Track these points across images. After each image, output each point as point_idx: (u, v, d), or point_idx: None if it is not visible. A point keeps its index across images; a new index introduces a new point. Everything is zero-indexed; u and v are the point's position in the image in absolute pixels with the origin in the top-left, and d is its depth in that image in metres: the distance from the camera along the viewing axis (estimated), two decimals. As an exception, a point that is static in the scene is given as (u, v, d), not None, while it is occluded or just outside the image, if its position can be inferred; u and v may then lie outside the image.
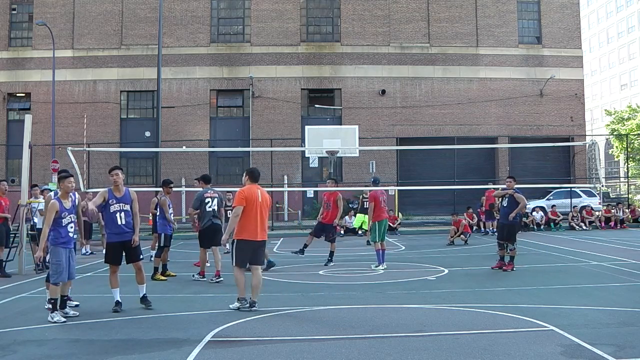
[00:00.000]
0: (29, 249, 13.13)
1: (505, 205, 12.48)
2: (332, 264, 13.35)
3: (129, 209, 8.54)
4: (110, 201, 8.48)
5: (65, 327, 7.32)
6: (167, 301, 9.10)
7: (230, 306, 8.29)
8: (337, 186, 13.97)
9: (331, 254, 13.49)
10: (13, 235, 13.08)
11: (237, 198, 8.30)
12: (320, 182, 30.07)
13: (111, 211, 8.45)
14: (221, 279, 11.05)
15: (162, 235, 11.90)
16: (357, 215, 20.24)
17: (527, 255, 14.66)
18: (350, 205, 25.54)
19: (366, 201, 19.79)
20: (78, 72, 31.43)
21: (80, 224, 8.69)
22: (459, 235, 18.45)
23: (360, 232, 19.99)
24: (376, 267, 12.59)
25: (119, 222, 8.41)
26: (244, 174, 8.79)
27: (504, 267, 12.07)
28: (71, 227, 7.88)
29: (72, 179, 8.02)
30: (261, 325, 7.33)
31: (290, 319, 7.68)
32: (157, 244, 12.17)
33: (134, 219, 8.56)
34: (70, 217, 7.88)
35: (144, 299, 8.51)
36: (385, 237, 13.30)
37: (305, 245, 13.59)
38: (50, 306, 7.78)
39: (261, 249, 8.43)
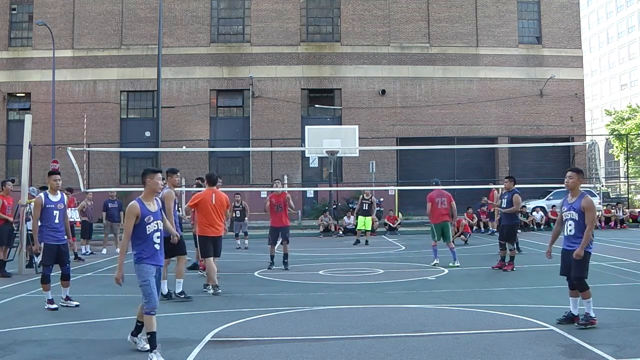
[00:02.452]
0: (29, 249, 13.13)
1: (504, 206, 12.52)
2: (273, 266, 12.63)
3: None
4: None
5: (65, 327, 7.32)
6: (167, 301, 9.10)
7: (209, 292, 9.59)
8: (283, 186, 13.59)
9: (285, 255, 12.62)
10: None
11: (190, 200, 10.13)
12: (320, 182, 30.09)
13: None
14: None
15: None
16: (359, 217, 19.83)
17: (527, 255, 14.66)
18: (350, 206, 25.54)
19: (365, 203, 19.66)
20: (78, 72, 31.43)
21: (67, 222, 8.80)
22: (459, 236, 18.44)
23: (360, 233, 19.77)
24: (433, 264, 12.78)
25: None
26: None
27: (504, 267, 12.08)
28: (158, 237, 5.97)
29: (160, 174, 6.21)
30: (261, 325, 7.33)
31: (290, 319, 7.67)
32: None
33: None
34: (157, 224, 5.98)
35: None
36: (450, 238, 13.11)
37: (272, 257, 12.76)
38: (66, 304, 7.78)
39: (218, 243, 9.87)
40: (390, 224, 24.18)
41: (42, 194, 8.66)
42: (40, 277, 8.58)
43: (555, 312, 7.70)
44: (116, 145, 30.18)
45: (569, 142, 28.73)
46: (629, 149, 39.47)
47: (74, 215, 15.47)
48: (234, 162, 31.35)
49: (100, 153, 26.89)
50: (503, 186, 13.06)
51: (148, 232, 5.86)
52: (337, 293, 9.63)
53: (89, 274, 12.52)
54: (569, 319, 7.03)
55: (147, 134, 30.90)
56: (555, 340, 6.30)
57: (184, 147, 26.92)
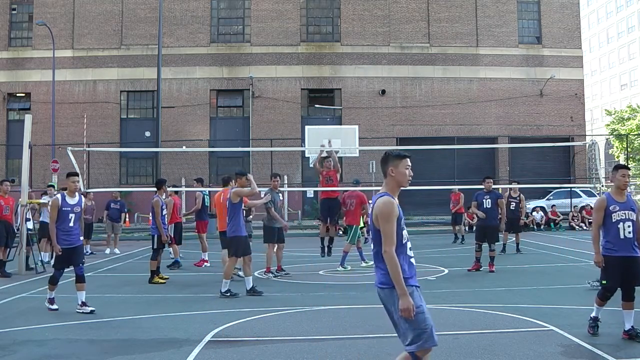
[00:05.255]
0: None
1: (489, 206, 12.10)
2: (324, 255, 12.84)
3: None
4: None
5: (65, 327, 7.32)
6: (167, 301, 9.11)
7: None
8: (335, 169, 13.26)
9: (331, 240, 12.84)
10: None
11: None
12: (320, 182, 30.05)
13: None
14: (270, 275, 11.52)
15: (155, 237, 11.36)
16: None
17: (527, 255, 14.66)
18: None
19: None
20: (78, 72, 31.43)
21: (82, 224, 8.77)
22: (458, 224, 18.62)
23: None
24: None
25: None
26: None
27: (480, 268, 11.91)
28: (410, 249, 4.25)
29: (408, 160, 4.23)
30: (261, 325, 7.33)
31: (290, 319, 7.67)
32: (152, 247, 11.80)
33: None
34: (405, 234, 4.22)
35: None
36: (354, 240, 12.76)
37: (323, 240, 12.86)
38: None
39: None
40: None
41: (59, 195, 8.40)
42: (49, 276, 8.40)
43: (555, 312, 7.70)
44: (116, 145, 30.17)
45: (569, 142, 28.72)
46: (629, 149, 39.45)
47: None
48: (234, 162, 31.27)
49: (100, 153, 26.87)
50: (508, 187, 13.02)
51: (404, 241, 4.18)
52: (337, 293, 9.63)
53: (89, 274, 12.43)
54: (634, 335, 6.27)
55: (147, 134, 30.89)
56: (555, 340, 6.30)
57: (184, 147, 26.90)
